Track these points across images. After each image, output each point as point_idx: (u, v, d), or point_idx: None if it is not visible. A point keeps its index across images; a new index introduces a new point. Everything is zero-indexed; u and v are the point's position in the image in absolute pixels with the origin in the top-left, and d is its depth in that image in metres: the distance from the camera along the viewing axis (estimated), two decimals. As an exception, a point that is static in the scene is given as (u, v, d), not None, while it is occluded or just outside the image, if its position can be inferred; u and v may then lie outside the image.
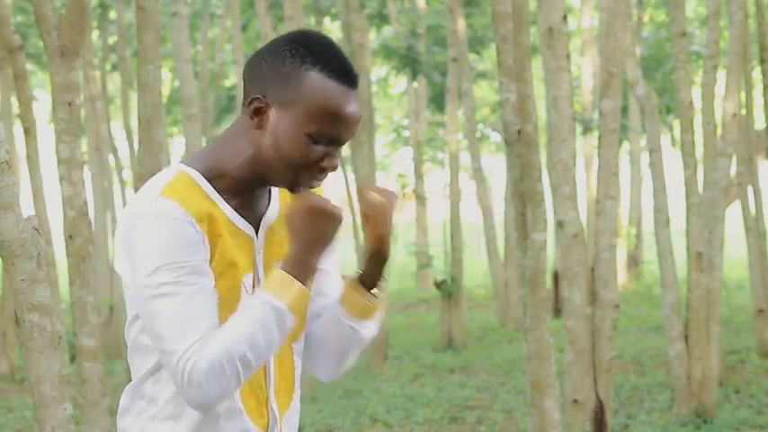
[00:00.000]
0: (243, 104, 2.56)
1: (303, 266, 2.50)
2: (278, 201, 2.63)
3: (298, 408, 2.70)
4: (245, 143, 2.54)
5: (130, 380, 2.65)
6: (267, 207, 2.61)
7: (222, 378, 2.42)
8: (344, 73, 2.50)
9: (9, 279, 3.39)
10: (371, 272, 2.62)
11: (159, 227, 2.44)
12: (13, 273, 3.32)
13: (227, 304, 2.51)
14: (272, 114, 2.50)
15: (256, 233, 2.59)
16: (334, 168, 2.53)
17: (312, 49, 2.51)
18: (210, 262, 2.49)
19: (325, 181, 2.58)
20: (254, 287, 2.57)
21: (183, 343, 2.42)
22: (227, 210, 2.54)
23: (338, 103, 2.49)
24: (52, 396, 3.44)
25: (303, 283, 2.49)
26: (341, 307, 2.64)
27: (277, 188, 2.63)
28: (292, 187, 2.55)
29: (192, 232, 2.46)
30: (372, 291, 2.64)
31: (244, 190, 2.56)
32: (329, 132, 2.49)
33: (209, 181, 2.54)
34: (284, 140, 2.49)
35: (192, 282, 2.45)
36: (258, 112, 2.51)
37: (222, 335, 2.44)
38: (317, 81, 2.48)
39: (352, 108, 2.50)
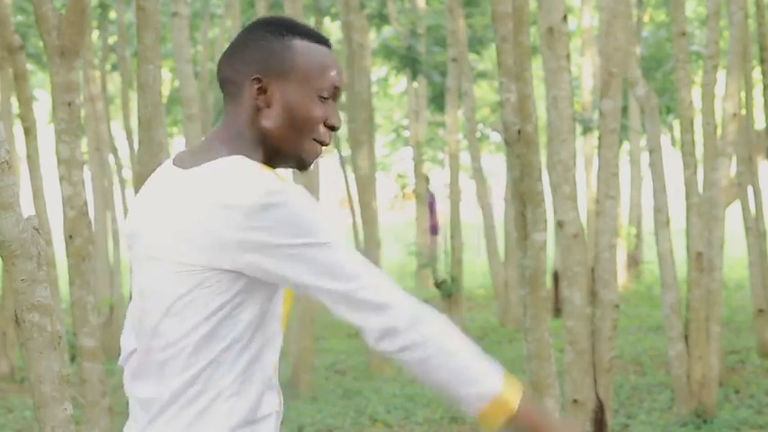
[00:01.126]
0: (229, 103, 2.64)
1: (532, 411, 2.49)
2: None
3: None
4: (250, 132, 2.62)
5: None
6: None
7: (419, 343, 2.46)
8: (321, 37, 2.66)
9: (9, 279, 3.39)
10: None
11: (299, 195, 2.49)
12: (13, 273, 3.32)
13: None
14: (275, 89, 2.60)
15: None
16: (339, 125, 2.63)
17: (286, 24, 2.64)
18: None
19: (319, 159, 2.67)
20: None
21: (393, 287, 2.48)
22: None
23: (331, 58, 2.65)
24: (52, 396, 3.44)
25: (513, 414, 2.48)
26: None
27: None
28: (304, 159, 2.64)
29: None
30: None
31: None
32: (334, 83, 2.63)
33: None
34: (298, 103, 2.61)
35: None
36: (262, 91, 2.60)
37: (447, 331, 2.48)
38: (304, 46, 2.63)
39: (336, 61, 2.67)
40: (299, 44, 2.61)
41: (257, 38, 2.62)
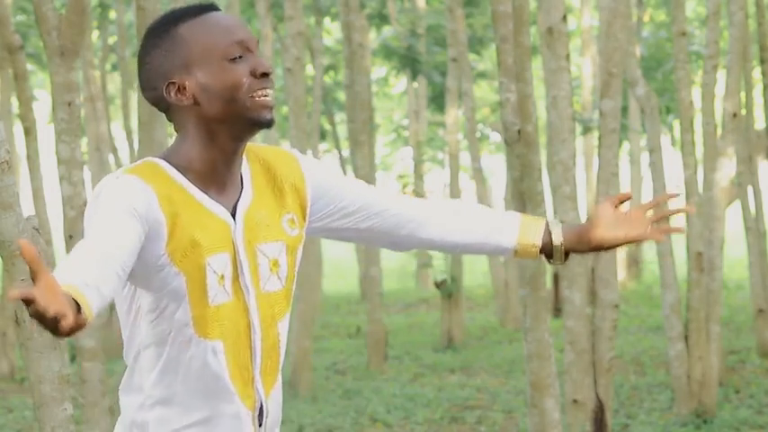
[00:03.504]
0: (170, 118, 2.64)
1: None
2: (250, 187, 2.65)
3: (281, 385, 2.72)
4: (195, 128, 2.60)
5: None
6: (240, 194, 2.64)
7: None
8: (200, 7, 2.60)
9: (9, 279, 3.39)
10: (574, 244, 2.80)
11: (115, 190, 2.48)
12: (13, 273, 3.32)
13: (195, 282, 2.54)
14: (189, 81, 2.57)
15: (234, 219, 2.61)
16: (269, 69, 2.57)
17: (166, 19, 2.60)
18: (170, 242, 2.52)
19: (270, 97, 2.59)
20: (234, 269, 2.59)
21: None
22: (198, 195, 2.57)
23: (220, 21, 2.58)
24: (52, 396, 3.44)
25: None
26: (512, 237, 2.79)
27: (248, 176, 2.65)
28: (255, 118, 2.57)
29: (144, 197, 2.49)
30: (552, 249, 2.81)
31: (215, 174, 2.60)
32: (235, 40, 2.57)
33: (182, 174, 2.59)
34: (215, 79, 2.55)
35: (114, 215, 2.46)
36: (180, 92, 2.58)
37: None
38: (189, 27, 2.57)
39: (228, 19, 2.60)
40: (184, 29, 2.57)
41: (149, 50, 2.60)
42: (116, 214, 2.44)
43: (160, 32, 2.59)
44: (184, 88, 2.57)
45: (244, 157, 2.67)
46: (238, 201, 2.63)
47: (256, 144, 2.73)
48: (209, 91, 2.56)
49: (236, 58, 2.56)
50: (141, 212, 2.48)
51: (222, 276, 2.57)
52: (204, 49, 2.56)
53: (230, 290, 2.58)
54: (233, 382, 2.59)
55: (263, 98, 2.57)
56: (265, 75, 2.57)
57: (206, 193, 2.59)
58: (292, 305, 2.81)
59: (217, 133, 2.58)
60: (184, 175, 2.58)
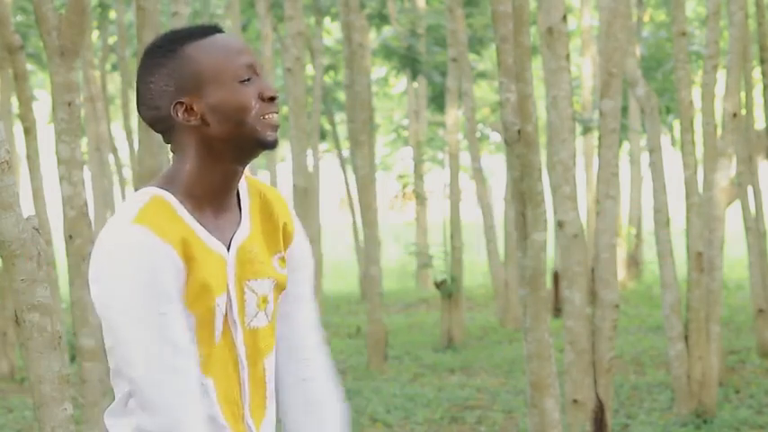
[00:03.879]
0: (169, 139, 2.59)
1: None
2: (248, 220, 2.63)
3: (273, 420, 2.70)
4: (194, 149, 2.56)
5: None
6: (238, 226, 2.62)
7: None
8: (206, 28, 2.59)
9: (9, 279, 3.40)
10: None
11: (138, 265, 2.46)
12: (13, 273, 3.32)
13: (204, 322, 2.53)
14: (198, 102, 2.55)
15: (228, 250, 2.60)
16: (275, 93, 2.57)
17: (170, 39, 2.58)
18: (186, 287, 2.50)
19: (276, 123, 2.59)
20: (226, 307, 2.57)
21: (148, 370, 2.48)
22: (199, 230, 2.55)
23: (228, 42, 2.57)
24: (52, 396, 3.44)
25: None
26: None
27: (247, 208, 2.64)
28: (263, 139, 2.56)
29: (169, 263, 2.48)
30: None
31: (214, 197, 2.58)
32: (244, 63, 2.56)
33: (182, 201, 2.55)
34: (224, 100, 2.53)
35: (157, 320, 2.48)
36: (188, 111, 2.55)
37: None
38: (196, 48, 2.56)
39: (235, 41, 2.59)
40: (191, 49, 2.55)
41: (152, 69, 2.57)
42: (163, 318, 2.47)
43: (164, 52, 2.56)
44: (192, 108, 2.54)
45: (245, 189, 2.65)
46: (235, 233, 2.61)
47: (257, 179, 2.72)
48: (219, 112, 2.54)
49: (245, 81, 2.55)
50: (173, 281, 2.48)
51: (222, 314, 2.57)
52: (215, 71, 2.54)
53: (221, 326, 2.58)
54: (225, 418, 2.58)
55: (270, 120, 2.56)
56: (272, 99, 2.57)
57: (205, 221, 2.56)
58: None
59: (220, 154, 2.56)
60: (186, 203, 2.55)
